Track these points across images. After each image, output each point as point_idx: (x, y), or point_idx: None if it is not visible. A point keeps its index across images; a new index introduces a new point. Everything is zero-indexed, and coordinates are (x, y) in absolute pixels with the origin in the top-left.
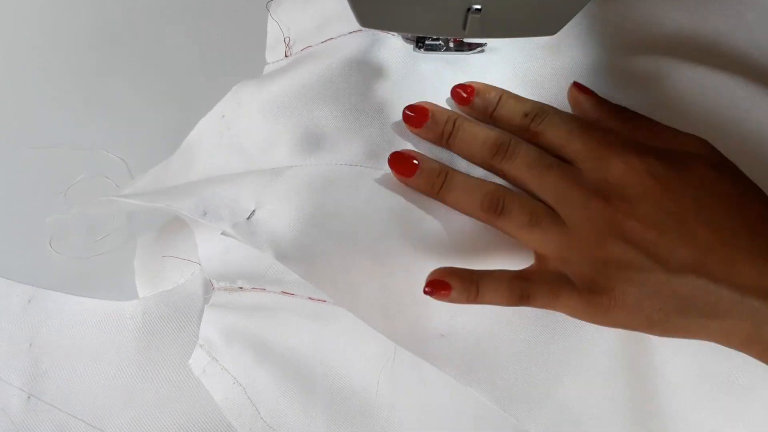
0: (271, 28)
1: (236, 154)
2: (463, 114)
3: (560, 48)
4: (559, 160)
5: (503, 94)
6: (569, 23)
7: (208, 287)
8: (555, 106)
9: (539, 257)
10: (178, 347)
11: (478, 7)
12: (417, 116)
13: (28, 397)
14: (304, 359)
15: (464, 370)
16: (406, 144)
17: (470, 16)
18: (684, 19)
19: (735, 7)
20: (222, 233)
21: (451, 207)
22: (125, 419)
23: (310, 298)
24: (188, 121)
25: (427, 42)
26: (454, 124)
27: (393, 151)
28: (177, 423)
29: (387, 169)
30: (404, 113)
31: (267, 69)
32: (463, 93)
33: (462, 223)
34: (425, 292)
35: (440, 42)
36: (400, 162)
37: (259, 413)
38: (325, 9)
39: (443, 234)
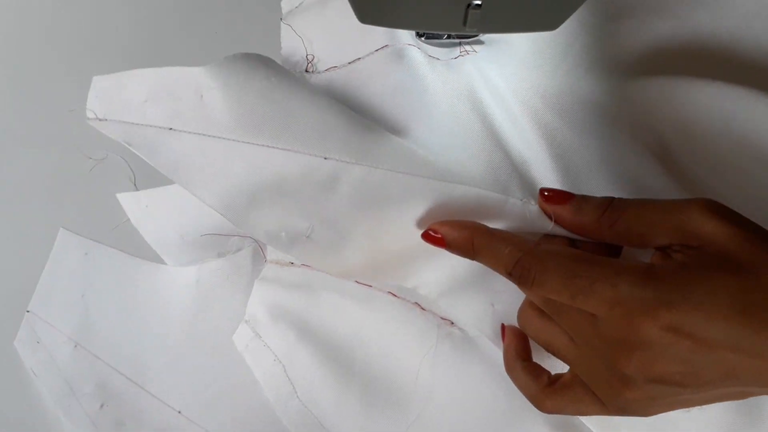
0: (286, 36)
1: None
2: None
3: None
4: None
5: (474, 237)
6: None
7: (259, 259)
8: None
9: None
10: (224, 318)
11: (479, 2)
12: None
13: (75, 346)
14: (345, 342)
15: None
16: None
17: (470, 11)
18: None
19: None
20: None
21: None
22: (165, 380)
23: (356, 281)
24: None
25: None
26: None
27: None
28: (214, 391)
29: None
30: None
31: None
32: (433, 234)
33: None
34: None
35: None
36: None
37: (296, 392)
38: (343, 23)
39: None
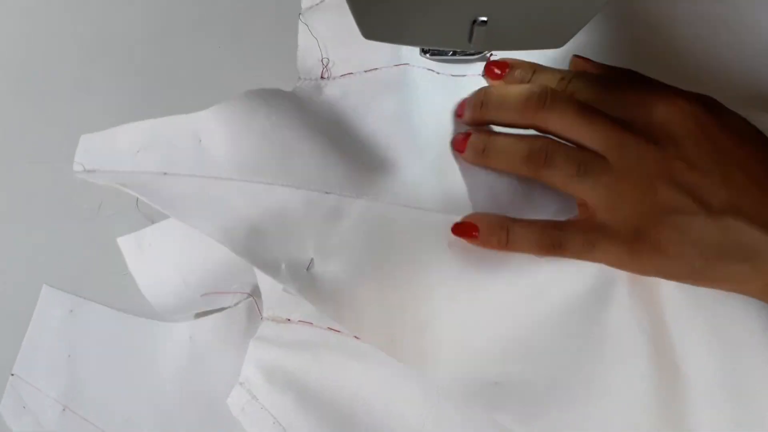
0: (303, 37)
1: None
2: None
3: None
4: None
5: (536, 66)
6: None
7: (254, 315)
8: None
9: (584, 209)
10: (220, 378)
11: (484, 19)
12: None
13: (63, 409)
14: (347, 402)
15: (522, 418)
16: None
17: (476, 28)
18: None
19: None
20: (282, 289)
21: (494, 169)
22: None
23: (355, 336)
24: None
25: (432, 48)
26: (483, 93)
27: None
28: None
29: (444, 210)
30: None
31: (301, 85)
32: (496, 70)
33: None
34: (453, 233)
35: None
36: (455, 140)
37: None
38: None
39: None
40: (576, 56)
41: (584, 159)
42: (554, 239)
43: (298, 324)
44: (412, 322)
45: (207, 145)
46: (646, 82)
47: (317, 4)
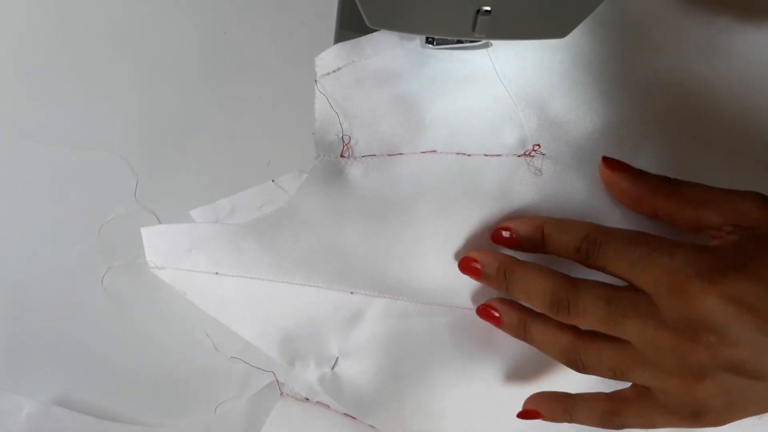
0: (321, 109)
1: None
2: (510, 258)
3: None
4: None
5: (544, 226)
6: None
7: (274, 394)
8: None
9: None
10: None
11: (488, 8)
12: (470, 269)
13: None
14: None
15: None
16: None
17: (479, 17)
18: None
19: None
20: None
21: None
22: None
23: (371, 425)
24: (192, 121)
25: (437, 38)
26: (504, 275)
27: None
28: None
29: (461, 305)
30: (460, 265)
31: (320, 165)
32: (504, 233)
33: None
34: (518, 416)
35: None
36: (485, 316)
37: None
38: (383, 99)
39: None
40: (606, 163)
41: (618, 364)
42: (616, 422)
43: (315, 405)
44: (428, 419)
45: (245, 249)
46: (681, 251)
47: (334, 72)
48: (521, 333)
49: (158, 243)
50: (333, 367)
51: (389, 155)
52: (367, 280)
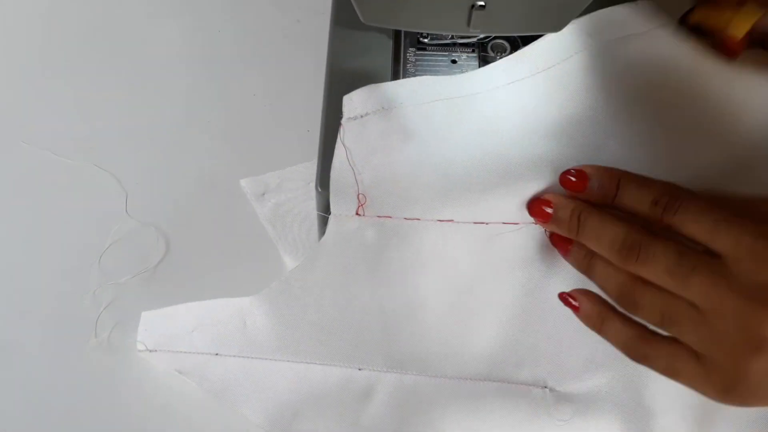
0: (339, 157)
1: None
2: (586, 203)
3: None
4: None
5: (621, 178)
6: None
7: None
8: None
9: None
10: None
11: (482, 3)
12: (539, 213)
13: None
14: None
15: None
16: None
17: (474, 12)
18: None
19: None
20: None
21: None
22: None
23: None
24: (187, 118)
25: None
26: (578, 219)
27: None
28: None
29: (473, 377)
30: (529, 207)
31: (335, 223)
32: (572, 178)
33: None
34: (559, 297)
35: None
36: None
37: None
38: (403, 159)
39: None
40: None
41: (668, 311)
42: (641, 352)
43: None
44: None
45: (250, 326)
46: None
47: (361, 117)
48: (585, 264)
49: (156, 325)
50: None
51: (405, 219)
52: (376, 354)
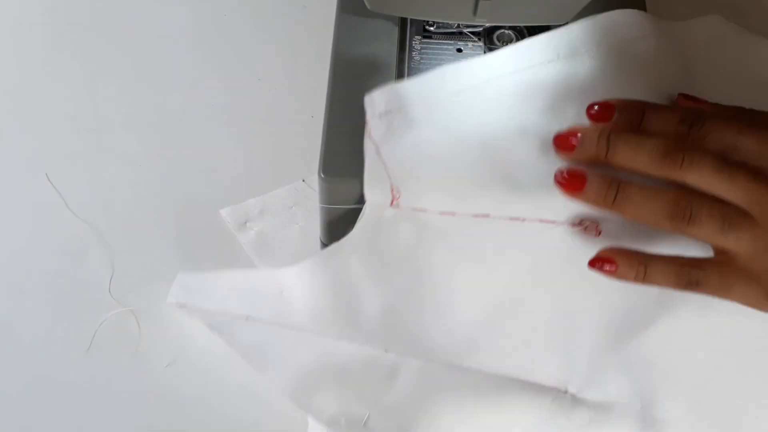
0: (371, 157)
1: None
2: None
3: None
4: None
5: (646, 105)
6: None
7: None
8: None
9: (721, 252)
10: None
11: None
12: (564, 144)
13: None
14: None
15: None
16: None
17: (480, 1)
18: None
19: None
20: None
21: (630, 219)
22: None
23: None
24: (192, 102)
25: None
26: (608, 139)
27: None
28: None
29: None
30: (555, 141)
31: (369, 216)
32: (597, 109)
33: None
34: (589, 266)
35: None
36: (571, 179)
37: None
38: (438, 150)
39: None
40: (683, 95)
41: (728, 214)
42: (692, 277)
43: None
44: None
45: (287, 297)
46: None
47: (385, 115)
48: (611, 195)
49: (190, 284)
50: (365, 423)
51: (440, 213)
52: (404, 339)
